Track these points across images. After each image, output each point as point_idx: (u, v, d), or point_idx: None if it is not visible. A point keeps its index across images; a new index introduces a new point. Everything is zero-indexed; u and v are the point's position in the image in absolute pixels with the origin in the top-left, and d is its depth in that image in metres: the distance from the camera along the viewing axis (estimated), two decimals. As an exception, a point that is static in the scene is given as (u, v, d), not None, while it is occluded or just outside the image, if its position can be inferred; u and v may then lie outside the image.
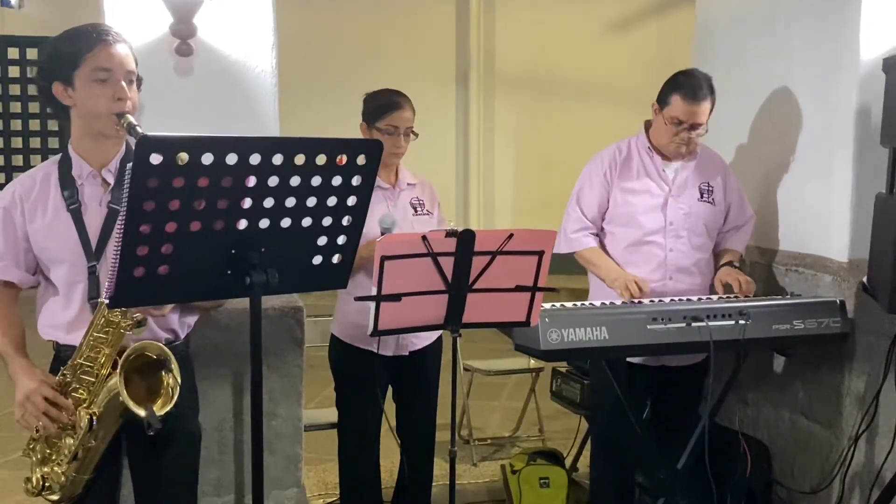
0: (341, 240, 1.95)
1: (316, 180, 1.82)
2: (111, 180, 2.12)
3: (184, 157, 1.64)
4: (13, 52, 7.82)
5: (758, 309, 2.84)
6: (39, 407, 2.00)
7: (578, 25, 8.21)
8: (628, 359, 2.98)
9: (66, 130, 2.22)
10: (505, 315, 2.43)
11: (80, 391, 2.04)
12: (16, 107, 7.91)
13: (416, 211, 2.97)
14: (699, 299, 2.94)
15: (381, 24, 8.06)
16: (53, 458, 2.09)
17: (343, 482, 3.14)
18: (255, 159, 1.71)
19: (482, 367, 4.50)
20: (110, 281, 1.73)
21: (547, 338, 2.64)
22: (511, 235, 2.28)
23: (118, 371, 1.97)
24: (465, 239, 2.24)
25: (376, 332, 2.31)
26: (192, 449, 2.32)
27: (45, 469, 2.10)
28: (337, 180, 1.85)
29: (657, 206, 3.04)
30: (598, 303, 2.89)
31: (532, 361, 4.26)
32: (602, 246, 3.11)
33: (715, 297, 2.99)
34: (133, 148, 1.85)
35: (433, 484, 3.20)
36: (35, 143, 7.95)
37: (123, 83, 2.05)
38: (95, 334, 2.00)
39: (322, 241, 1.92)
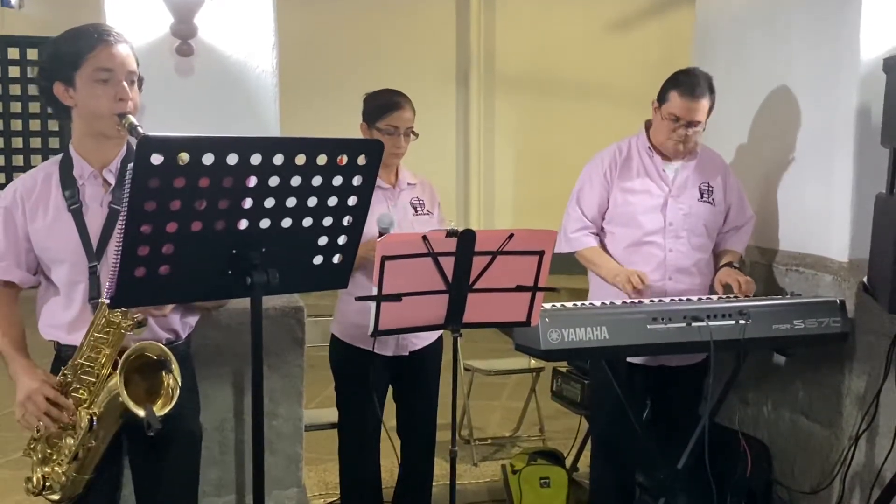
0: (342, 240, 1.95)
1: (317, 180, 1.82)
2: (112, 181, 2.12)
3: (185, 157, 1.64)
4: (13, 53, 7.83)
5: (758, 309, 2.84)
6: (41, 407, 2.01)
7: (579, 25, 8.21)
8: (628, 359, 2.98)
9: (66, 130, 2.22)
10: (505, 315, 2.43)
11: (81, 391, 2.04)
12: (16, 107, 7.91)
13: (416, 211, 2.97)
14: (699, 299, 2.94)
15: (381, 24, 8.07)
16: (54, 458, 2.09)
17: (343, 482, 3.14)
18: (255, 159, 1.71)
19: (483, 366, 4.50)
20: (111, 281, 1.73)
21: (547, 338, 2.64)
22: (511, 235, 2.28)
23: (118, 371, 1.97)
24: (466, 239, 2.24)
25: (377, 332, 2.31)
26: (192, 449, 2.32)
27: (46, 469, 2.10)
28: (338, 180, 1.85)
29: (657, 207, 3.04)
30: (598, 303, 2.89)
31: (532, 361, 4.26)
32: (602, 246, 3.12)
33: (715, 297, 2.99)
34: (134, 148, 1.85)
35: (433, 484, 3.20)
36: (35, 143, 7.96)
37: (125, 83, 2.05)
38: (96, 334, 2.00)
39: (323, 241, 1.92)
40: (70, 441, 2.05)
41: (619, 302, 2.88)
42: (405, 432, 3.13)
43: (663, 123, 2.98)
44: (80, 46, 2.05)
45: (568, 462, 3.81)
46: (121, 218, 1.70)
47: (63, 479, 2.07)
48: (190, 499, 2.34)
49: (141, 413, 1.98)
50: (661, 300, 2.90)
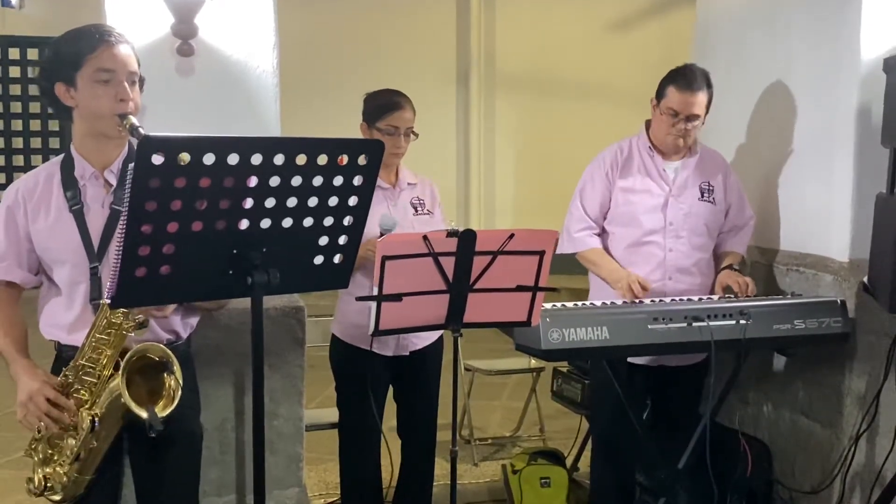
0: (342, 240, 1.95)
1: (317, 180, 1.82)
2: (113, 181, 2.12)
3: (185, 157, 1.64)
4: (14, 53, 7.82)
5: (759, 309, 2.84)
6: (42, 407, 2.01)
7: (579, 25, 8.21)
8: (629, 359, 2.98)
9: (67, 131, 2.22)
10: (506, 315, 2.43)
11: (82, 392, 2.04)
12: (17, 107, 7.90)
13: (416, 211, 2.97)
14: (700, 299, 2.94)
15: (381, 24, 8.07)
16: (55, 458, 2.09)
17: (344, 482, 3.14)
18: (256, 159, 1.71)
19: (483, 366, 4.50)
20: (112, 281, 1.73)
21: (548, 337, 2.64)
22: (512, 235, 2.28)
23: (120, 372, 1.97)
24: (466, 239, 2.24)
25: (377, 332, 2.31)
26: (193, 449, 2.32)
27: (48, 469, 2.10)
28: (338, 180, 1.85)
29: (657, 207, 3.04)
30: (598, 303, 2.89)
31: (533, 361, 4.26)
32: (603, 246, 3.11)
33: (716, 297, 2.99)
34: (135, 148, 1.85)
35: (434, 484, 3.20)
36: (36, 143, 7.95)
37: (126, 84, 2.05)
38: (97, 335, 2.00)
39: (323, 240, 1.92)
40: (71, 442, 2.05)
41: (619, 302, 2.88)
42: (406, 432, 3.13)
43: (662, 119, 2.98)
44: (80, 47, 2.05)
45: (568, 462, 3.81)
46: (122, 218, 1.70)
47: (64, 479, 2.07)
48: (191, 499, 2.34)
49: (144, 414, 1.98)
50: (661, 300, 2.90)
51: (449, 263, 2.26)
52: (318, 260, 1.94)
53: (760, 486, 3.29)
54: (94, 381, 2.03)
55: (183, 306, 2.22)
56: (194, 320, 2.32)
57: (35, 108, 7.78)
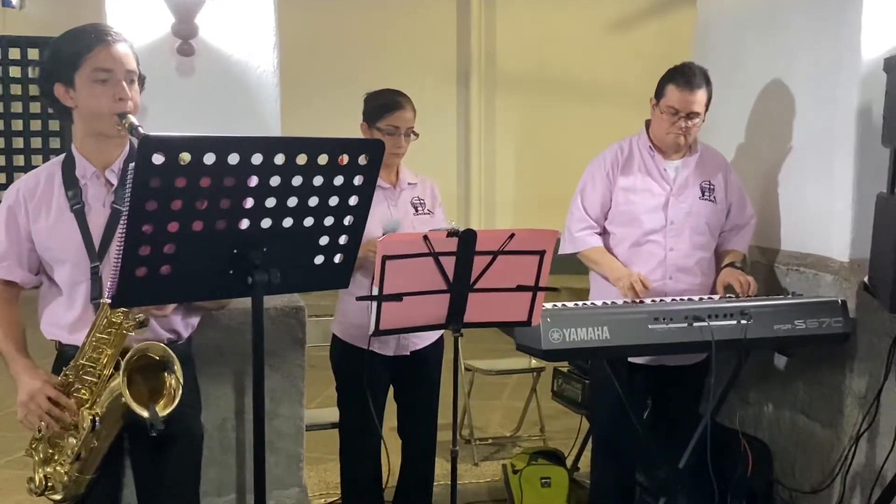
0: (343, 239, 1.95)
1: (318, 180, 1.82)
2: (114, 181, 2.12)
3: (186, 157, 1.64)
4: (14, 53, 7.83)
5: (759, 309, 2.84)
6: (43, 407, 2.01)
7: (579, 25, 8.21)
8: (630, 358, 2.98)
9: (67, 131, 2.22)
10: (506, 315, 2.43)
11: (83, 391, 2.04)
12: (17, 107, 7.91)
13: (416, 210, 2.97)
14: (700, 299, 2.94)
15: (382, 24, 8.07)
16: (56, 458, 2.09)
17: (344, 482, 3.14)
18: (257, 159, 1.71)
19: (483, 366, 4.50)
20: (112, 281, 1.73)
21: (548, 337, 2.64)
22: (512, 235, 2.28)
23: (121, 372, 1.97)
24: (467, 239, 2.24)
25: (378, 332, 2.31)
26: (194, 449, 2.32)
27: (48, 469, 2.10)
28: (339, 180, 1.85)
29: (658, 206, 3.04)
30: (599, 302, 2.89)
31: (533, 361, 4.26)
32: (605, 246, 3.11)
33: (716, 297, 2.99)
34: (136, 148, 1.85)
35: (434, 483, 3.20)
36: (36, 143, 7.96)
37: (124, 83, 2.05)
38: (98, 335, 2.00)
39: (324, 240, 1.92)
40: (72, 441, 2.05)
41: (620, 302, 2.88)
42: (406, 432, 3.13)
43: (662, 118, 2.98)
44: (78, 47, 2.05)
45: (569, 462, 3.81)
46: (122, 217, 1.70)
47: (65, 479, 2.07)
48: (191, 498, 2.34)
49: (145, 414, 1.98)
50: (662, 300, 2.90)
51: (449, 263, 2.26)
52: (319, 260, 1.94)
53: (761, 486, 3.29)
54: (95, 380, 2.03)
55: (184, 305, 2.22)
56: (195, 320, 2.32)
57: (36, 108, 7.79)
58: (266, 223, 1.81)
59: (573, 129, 7.85)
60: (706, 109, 2.99)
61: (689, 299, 2.92)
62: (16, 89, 7.88)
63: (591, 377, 3.55)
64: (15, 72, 7.86)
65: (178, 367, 2.06)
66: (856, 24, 2.99)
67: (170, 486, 2.25)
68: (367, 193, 1.91)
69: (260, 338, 1.86)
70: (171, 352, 2.07)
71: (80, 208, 2.09)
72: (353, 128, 2.95)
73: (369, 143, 1.95)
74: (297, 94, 5.30)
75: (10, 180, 7.64)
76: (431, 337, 3.02)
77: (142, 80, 2.14)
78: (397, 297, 2.24)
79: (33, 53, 7.69)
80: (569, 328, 2.66)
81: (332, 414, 3.22)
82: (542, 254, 2.34)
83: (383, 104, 2.90)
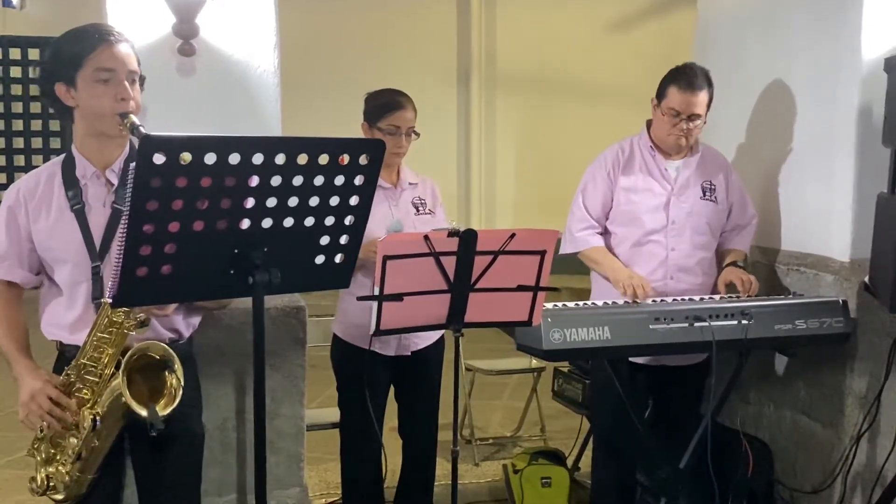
0: (344, 239, 1.95)
1: (318, 180, 1.82)
2: (115, 181, 2.12)
3: (187, 156, 1.64)
4: (15, 53, 7.82)
5: (760, 309, 2.84)
6: (44, 406, 2.01)
7: (580, 25, 8.21)
8: (631, 358, 2.98)
9: (68, 131, 2.22)
10: (507, 315, 2.43)
11: (84, 391, 2.05)
12: (18, 107, 7.90)
13: (417, 210, 2.97)
14: (701, 299, 2.94)
15: (382, 24, 8.06)
16: (58, 457, 2.09)
17: (345, 482, 3.14)
18: (257, 159, 1.71)
19: (484, 366, 4.50)
20: (113, 280, 1.73)
21: (549, 337, 2.64)
22: (513, 235, 2.28)
23: (121, 372, 1.97)
24: (467, 239, 2.24)
25: (378, 332, 2.31)
26: (195, 448, 2.32)
27: (50, 469, 2.10)
28: (339, 180, 1.85)
29: (659, 206, 3.04)
30: (600, 303, 2.89)
31: (534, 361, 4.26)
32: (606, 246, 3.11)
33: (717, 297, 2.99)
34: (136, 148, 1.85)
35: (435, 484, 3.20)
36: (37, 143, 7.95)
37: (126, 83, 2.06)
38: (99, 334, 2.01)
39: (324, 240, 1.92)
40: (74, 441, 2.05)
41: (621, 302, 2.88)
42: (406, 432, 3.13)
43: (664, 119, 2.98)
44: (80, 47, 2.05)
45: (569, 462, 3.81)
46: (123, 217, 1.70)
47: (67, 478, 2.07)
48: (192, 498, 2.34)
49: (144, 413, 1.98)
50: (662, 300, 2.90)
51: (450, 263, 2.26)
52: (320, 259, 1.94)
53: (761, 486, 3.29)
54: (96, 380, 2.03)
55: (185, 305, 2.22)
56: (196, 319, 2.32)
57: (36, 108, 7.78)
58: (267, 223, 1.81)
59: (573, 129, 7.84)
60: (707, 110, 2.99)
61: (690, 299, 2.92)
62: (16, 89, 7.87)
63: (591, 377, 3.55)
64: (15, 72, 7.85)
65: (178, 366, 2.07)
66: (856, 24, 2.99)
67: (171, 486, 2.25)
68: (367, 193, 1.91)
69: (261, 338, 1.86)
70: (171, 351, 2.07)
71: (81, 208, 2.09)
72: (353, 128, 2.95)
73: (370, 143, 1.95)
74: (297, 94, 5.30)
75: (10, 180, 7.63)
76: (432, 337, 3.02)
77: (142, 80, 2.14)
78: (398, 297, 2.24)
79: (34, 53, 7.69)
80: (569, 328, 2.66)
81: (333, 414, 3.22)
82: (542, 254, 2.34)
83: (384, 104, 2.90)
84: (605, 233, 3.13)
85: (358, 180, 1.88)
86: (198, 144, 1.65)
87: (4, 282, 2.16)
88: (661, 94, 3.00)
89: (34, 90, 7.42)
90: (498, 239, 2.28)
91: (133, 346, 2.03)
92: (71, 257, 2.09)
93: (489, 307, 2.37)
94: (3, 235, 2.13)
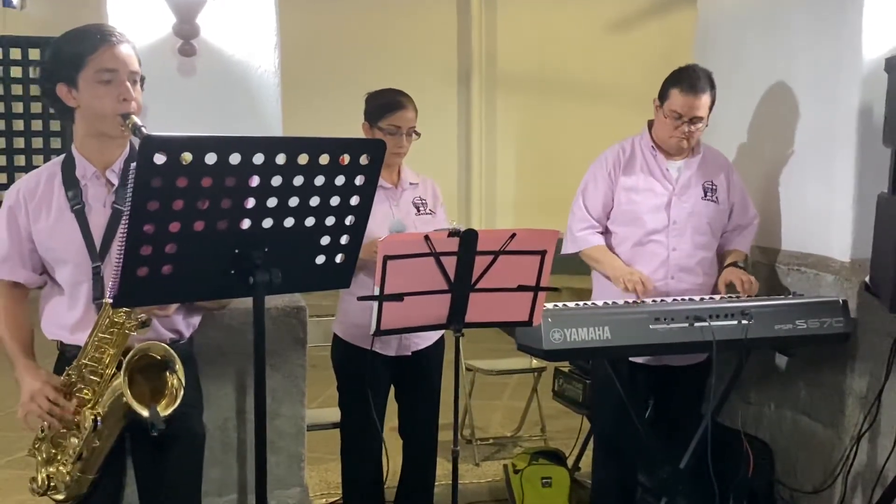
0: (344, 239, 1.95)
1: (319, 180, 1.82)
2: (115, 181, 2.12)
3: (187, 157, 1.64)
4: (15, 53, 7.81)
5: (760, 309, 2.84)
6: (43, 407, 2.01)
7: (580, 25, 8.21)
8: (631, 358, 2.98)
9: (68, 131, 2.22)
10: (507, 315, 2.43)
11: (85, 391, 2.05)
12: (18, 107, 7.90)
13: (418, 210, 2.97)
14: (701, 299, 2.94)
15: (383, 24, 8.06)
16: (58, 457, 2.09)
17: (345, 482, 3.14)
18: (258, 159, 1.71)
19: (484, 366, 4.50)
20: (114, 281, 1.73)
21: (549, 337, 2.64)
22: (514, 235, 2.28)
23: (122, 372, 1.97)
24: (468, 239, 2.24)
25: (379, 332, 2.31)
26: (195, 448, 2.32)
27: (51, 469, 2.10)
28: (340, 180, 1.85)
29: (661, 206, 3.04)
30: (600, 302, 2.89)
31: (534, 361, 4.26)
32: (607, 245, 3.11)
33: (717, 297, 2.99)
34: (137, 148, 1.85)
35: (435, 483, 3.20)
36: (37, 143, 7.94)
37: (128, 84, 2.06)
38: (100, 335, 2.01)
39: (325, 240, 1.92)
40: (74, 441, 2.05)
41: (621, 302, 2.88)
42: (407, 432, 3.13)
43: (666, 121, 2.98)
44: (82, 47, 2.05)
45: (570, 462, 3.81)
46: (124, 217, 1.70)
47: (67, 478, 2.07)
48: (193, 498, 2.34)
49: (145, 413, 1.98)
50: (663, 300, 2.90)
51: (450, 263, 2.26)
52: (320, 259, 1.94)
53: (762, 486, 3.29)
54: (97, 380, 2.03)
55: (185, 305, 2.22)
56: (197, 319, 2.32)
57: (37, 108, 7.78)
58: (267, 223, 1.81)
59: (573, 129, 7.84)
60: (710, 113, 2.99)
61: (690, 299, 2.92)
62: (17, 89, 7.86)
63: (592, 377, 3.55)
64: (16, 72, 7.84)
65: (179, 366, 2.07)
66: (857, 24, 2.99)
67: (171, 486, 2.25)
68: (368, 193, 1.91)
69: (261, 338, 1.86)
70: (172, 352, 2.07)
71: (81, 208, 2.09)
72: (353, 128, 2.96)
73: (371, 143, 1.95)
74: (297, 94, 5.30)
75: (11, 180, 7.62)
76: (432, 337, 3.02)
77: (142, 80, 2.14)
78: (398, 297, 2.24)
79: (34, 54, 7.68)
80: (570, 328, 2.66)
81: (334, 414, 3.22)
82: (543, 254, 2.34)
83: (385, 104, 2.90)
84: (606, 232, 3.13)
85: (359, 180, 1.88)
86: (198, 144, 1.65)
87: (9, 282, 2.16)
88: (663, 96, 2.99)
89: (35, 90, 7.41)
90: (498, 239, 2.28)
91: (134, 346, 2.03)
92: (71, 257, 2.09)
93: (489, 307, 2.37)
94: (4, 236, 2.13)
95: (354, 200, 1.90)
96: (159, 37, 2.81)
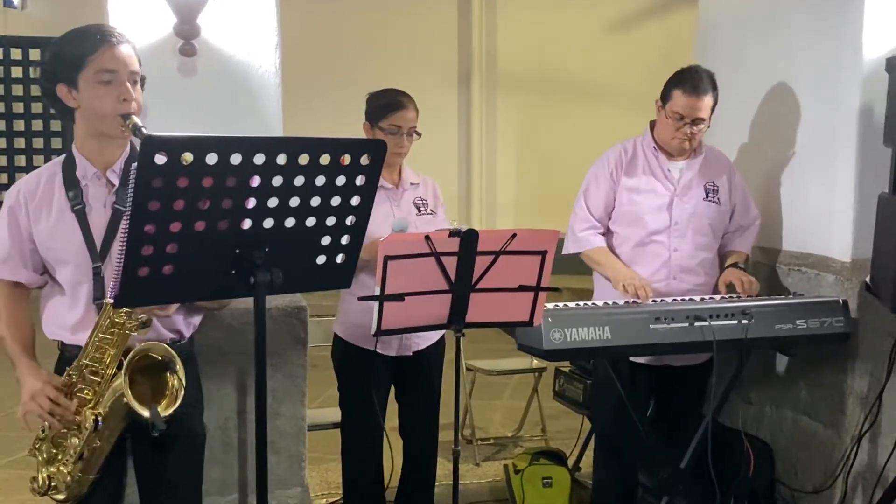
0: (345, 239, 1.95)
1: (320, 180, 1.82)
2: (116, 181, 2.12)
3: (188, 157, 1.64)
4: (16, 53, 7.81)
5: (761, 308, 2.84)
6: (44, 407, 2.01)
7: (580, 25, 8.22)
8: (632, 358, 2.98)
9: (69, 131, 2.22)
10: (508, 315, 2.43)
11: (86, 391, 2.05)
12: (19, 107, 7.90)
13: (419, 211, 2.97)
14: (702, 299, 2.94)
15: (383, 24, 8.07)
16: (59, 457, 2.09)
17: (346, 482, 3.14)
18: (259, 159, 1.71)
19: (485, 366, 4.50)
20: (115, 281, 1.74)
21: (550, 337, 2.64)
22: (514, 235, 2.28)
23: (123, 372, 1.97)
24: (469, 239, 2.24)
25: (380, 332, 2.31)
26: (196, 448, 2.32)
27: (51, 469, 2.10)
28: (341, 180, 1.85)
29: (662, 206, 3.04)
30: (600, 302, 2.89)
31: (534, 361, 4.26)
32: (608, 246, 3.11)
33: (718, 297, 2.99)
34: (137, 148, 1.85)
35: (436, 484, 3.20)
36: (38, 143, 7.95)
37: (128, 84, 2.06)
38: (101, 335, 2.01)
39: (326, 240, 1.92)
40: (75, 441, 2.06)
41: (621, 302, 2.88)
42: (407, 432, 3.13)
43: (668, 122, 2.98)
44: (82, 48, 2.05)
45: (570, 462, 3.81)
46: (124, 218, 1.70)
47: (68, 478, 2.07)
48: (193, 498, 2.34)
49: (145, 413, 1.98)
50: (663, 300, 2.90)
51: (451, 263, 2.26)
52: (321, 260, 1.95)
53: (762, 487, 3.29)
54: (98, 380, 2.03)
55: (185, 305, 2.22)
56: (197, 319, 2.32)
57: (37, 108, 7.78)
58: (268, 223, 1.81)
59: (574, 130, 7.85)
60: (711, 113, 2.99)
61: (691, 299, 2.92)
62: (17, 90, 7.87)
63: (592, 377, 3.55)
64: (17, 72, 7.84)
65: (180, 367, 2.07)
66: (857, 23, 2.99)
67: (172, 486, 2.25)
68: (369, 193, 1.91)
69: (262, 338, 1.86)
70: (172, 352, 2.07)
71: (81, 209, 2.09)
72: (354, 128, 2.96)
73: (371, 143, 1.95)
74: (298, 94, 5.31)
75: (11, 180, 7.62)
76: (433, 337, 3.02)
77: (142, 80, 2.14)
78: (399, 297, 2.24)
79: (35, 54, 7.68)
80: (570, 328, 2.66)
81: (334, 414, 3.22)
82: (543, 254, 2.34)
83: (386, 104, 2.90)
84: (608, 233, 3.13)
85: (359, 180, 1.88)
86: (199, 145, 1.66)
87: (10, 282, 2.16)
88: (665, 97, 2.99)
89: (35, 90, 7.41)
90: (499, 239, 2.28)
91: (135, 346, 2.03)
92: (72, 258, 2.09)
93: (490, 307, 2.37)
94: (5, 236, 2.13)
95: (355, 200, 1.90)
96: (160, 37, 2.81)
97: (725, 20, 3.77)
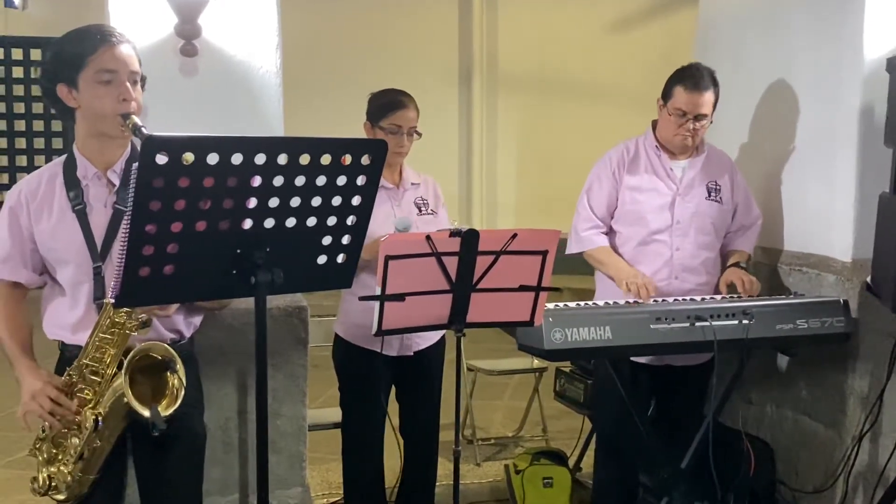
0: (346, 239, 1.95)
1: (321, 180, 1.82)
2: (116, 181, 2.12)
3: (189, 157, 1.64)
4: (17, 53, 7.82)
5: (761, 308, 2.84)
6: (44, 406, 2.01)
7: (581, 25, 8.22)
8: (633, 358, 2.98)
9: (69, 131, 2.22)
10: (509, 315, 2.43)
11: (87, 391, 2.05)
12: (20, 108, 7.91)
13: (420, 211, 2.97)
14: (703, 299, 2.94)
15: (384, 24, 8.07)
16: (59, 457, 2.09)
17: (346, 482, 3.14)
18: (259, 159, 1.72)
19: (485, 366, 4.50)
20: (115, 280, 1.74)
21: (550, 337, 2.64)
22: (515, 235, 2.28)
23: (123, 372, 1.98)
24: (469, 239, 2.24)
25: (380, 332, 2.31)
26: (196, 448, 2.32)
27: (52, 469, 2.10)
28: (342, 180, 1.85)
29: (665, 205, 3.04)
30: (601, 302, 2.89)
31: (535, 361, 4.26)
32: (611, 245, 3.11)
33: (719, 297, 2.99)
34: (138, 148, 1.85)
35: (437, 484, 3.20)
36: (39, 143, 7.95)
37: (128, 84, 2.06)
38: (101, 335, 2.01)
39: (327, 240, 1.92)
40: (75, 441, 2.06)
41: (622, 302, 2.88)
42: (408, 432, 3.13)
43: (670, 120, 2.98)
44: (82, 48, 2.05)
45: (571, 462, 3.81)
46: (125, 218, 1.71)
47: (68, 478, 2.07)
48: (194, 498, 2.34)
49: (146, 413, 1.98)
50: (664, 300, 2.90)
51: (452, 263, 2.26)
52: (322, 259, 1.95)
53: (763, 487, 3.29)
54: (98, 380, 2.04)
55: (186, 305, 2.22)
56: (198, 319, 2.32)
57: (38, 108, 7.78)
58: (269, 223, 1.81)
59: (574, 130, 7.85)
60: (713, 110, 2.99)
61: (692, 299, 2.92)
62: (18, 90, 7.87)
63: (593, 377, 3.55)
64: (18, 72, 7.85)
65: (180, 366, 2.07)
66: (858, 23, 2.99)
67: (172, 486, 2.25)
68: (370, 193, 1.92)
69: (263, 338, 1.86)
70: (173, 352, 2.08)
71: (82, 209, 2.10)
72: (355, 128, 2.96)
73: (372, 143, 1.95)
74: (299, 94, 5.31)
75: (12, 180, 7.63)
76: (434, 337, 3.02)
77: (143, 80, 2.15)
78: (400, 297, 2.24)
79: (36, 54, 7.68)
80: (571, 328, 2.66)
81: (335, 414, 3.22)
82: (544, 254, 2.34)
83: (386, 103, 2.90)
84: (611, 232, 3.13)
85: (360, 180, 1.88)
86: (200, 145, 1.66)
87: (9, 282, 2.16)
88: (666, 95, 2.99)
89: (36, 90, 7.42)
90: (500, 239, 2.28)
91: (135, 346, 2.03)
92: (73, 258, 2.09)
93: (491, 307, 2.37)
94: (6, 236, 2.13)
95: (356, 200, 1.90)
96: (161, 37, 2.81)
97: (725, 20, 3.77)
